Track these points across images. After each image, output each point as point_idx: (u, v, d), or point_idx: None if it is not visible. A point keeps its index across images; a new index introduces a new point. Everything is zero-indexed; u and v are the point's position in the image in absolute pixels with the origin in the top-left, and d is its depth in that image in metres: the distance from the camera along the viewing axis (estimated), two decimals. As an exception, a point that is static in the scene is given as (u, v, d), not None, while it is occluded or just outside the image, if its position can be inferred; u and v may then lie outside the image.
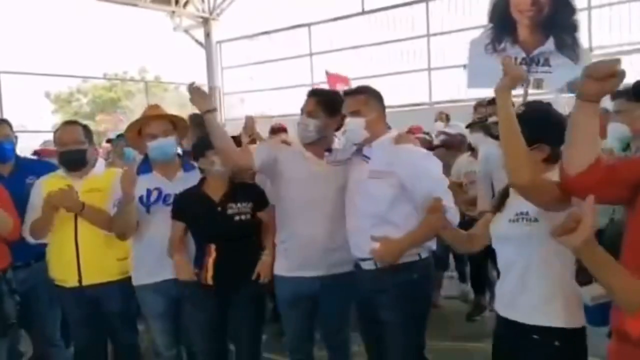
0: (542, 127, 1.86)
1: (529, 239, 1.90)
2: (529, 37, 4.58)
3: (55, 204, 2.84)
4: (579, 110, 1.55)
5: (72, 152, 3.02)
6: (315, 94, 2.88)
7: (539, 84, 4.52)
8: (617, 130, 3.21)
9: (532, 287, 1.93)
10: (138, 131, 3.12)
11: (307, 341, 2.98)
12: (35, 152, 4.73)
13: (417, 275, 2.55)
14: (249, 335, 2.94)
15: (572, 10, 5.73)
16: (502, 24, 4.64)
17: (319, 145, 2.86)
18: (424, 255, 2.59)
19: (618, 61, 1.48)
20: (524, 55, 4.44)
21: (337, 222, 2.78)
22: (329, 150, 2.88)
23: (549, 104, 2.08)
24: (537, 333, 1.91)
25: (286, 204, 2.87)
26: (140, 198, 2.99)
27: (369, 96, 2.64)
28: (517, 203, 1.95)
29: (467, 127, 4.98)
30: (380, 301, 2.57)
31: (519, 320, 1.96)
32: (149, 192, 3.02)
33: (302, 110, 2.84)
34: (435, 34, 10.13)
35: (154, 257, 2.94)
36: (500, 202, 2.09)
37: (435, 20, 10.22)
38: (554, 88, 5.05)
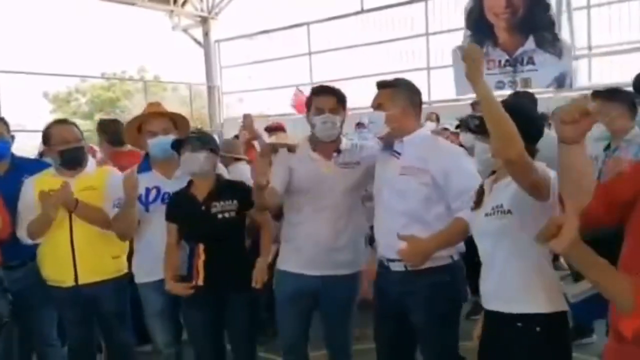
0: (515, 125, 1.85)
1: (504, 231, 1.97)
2: (508, 39, 4.65)
3: (55, 203, 2.84)
4: (565, 154, 1.55)
5: (75, 149, 3.03)
6: (333, 92, 2.87)
7: (526, 83, 4.55)
8: (596, 130, 3.23)
9: (512, 278, 2.00)
10: (138, 128, 3.11)
11: (302, 341, 2.97)
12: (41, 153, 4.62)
13: (449, 278, 2.48)
14: (244, 337, 2.94)
15: (546, 7, 5.73)
16: (479, 29, 4.68)
17: (331, 144, 2.86)
18: (456, 257, 2.53)
19: (586, 99, 1.50)
20: (507, 57, 4.47)
21: (343, 223, 2.81)
22: (338, 151, 2.86)
23: (531, 98, 2.10)
24: (520, 320, 1.99)
25: (293, 204, 2.88)
26: (139, 197, 3.00)
27: (396, 90, 2.57)
28: (492, 198, 2.05)
29: (456, 127, 4.98)
30: (410, 303, 2.51)
31: (501, 311, 2.04)
32: (147, 190, 3.03)
33: (320, 109, 2.79)
34: (434, 33, 10.11)
35: (153, 255, 2.93)
36: (478, 199, 2.14)
37: (434, 19, 10.20)
38: (542, 85, 5.06)
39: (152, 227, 2.98)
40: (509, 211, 1.96)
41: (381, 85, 2.64)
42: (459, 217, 2.37)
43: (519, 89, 4.22)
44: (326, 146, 2.86)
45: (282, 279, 2.93)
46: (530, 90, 4.40)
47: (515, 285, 2.00)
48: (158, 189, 3.04)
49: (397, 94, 2.56)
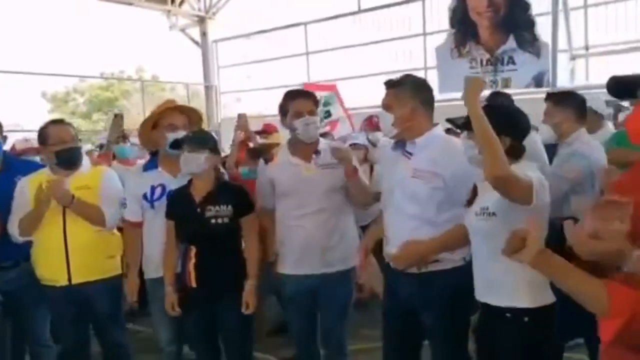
0: (501, 121, 2.05)
1: (490, 232, 2.09)
2: (490, 38, 4.67)
3: (47, 197, 2.85)
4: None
5: (70, 149, 3.05)
6: (309, 95, 2.97)
7: (507, 83, 4.60)
8: (547, 131, 3.25)
9: (498, 275, 2.10)
10: (152, 125, 3.14)
11: (311, 339, 3.03)
12: (20, 152, 4.51)
13: (460, 280, 2.40)
14: (236, 338, 2.92)
15: (526, 7, 5.70)
16: (463, 27, 4.72)
17: (310, 146, 2.91)
18: (469, 258, 2.44)
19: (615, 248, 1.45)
20: (488, 56, 4.50)
21: (333, 223, 2.87)
22: (317, 152, 2.90)
23: (509, 99, 2.16)
24: (508, 311, 2.12)
25: (283, 208, 2.94)
26: (145, 195, 3.04)
27: (401, 90, 2.51)
28: (482, 199, 2.17)
29: (456, 128, 4.98)
30: (421, 304, 2.49)
31: (492, 304, 2.16)
32: (152, 188, 3.05)
33: (300, 112, 2.85)
34: (431, 33, 10.10)
35: (160, 252, 2.96)
36: (472, 197, 2.24)
37: (431, 19, 10.18)
38: (521, 85, 5.03)
39: (157, 224, 2.99)
40: (494, 214, 2.09)
41: (387, 84, 2.59)
42: (462, 224, 2.31)
43: (500, 88, 4.24)
44: (305, 148, 2.91)
45: (283, 281, 2.99)
46: (511, 91, 4.40)
47: (501, 282, 2.11)
48: (163, 187, 3.06)
49: (403, 94, 2.50)
